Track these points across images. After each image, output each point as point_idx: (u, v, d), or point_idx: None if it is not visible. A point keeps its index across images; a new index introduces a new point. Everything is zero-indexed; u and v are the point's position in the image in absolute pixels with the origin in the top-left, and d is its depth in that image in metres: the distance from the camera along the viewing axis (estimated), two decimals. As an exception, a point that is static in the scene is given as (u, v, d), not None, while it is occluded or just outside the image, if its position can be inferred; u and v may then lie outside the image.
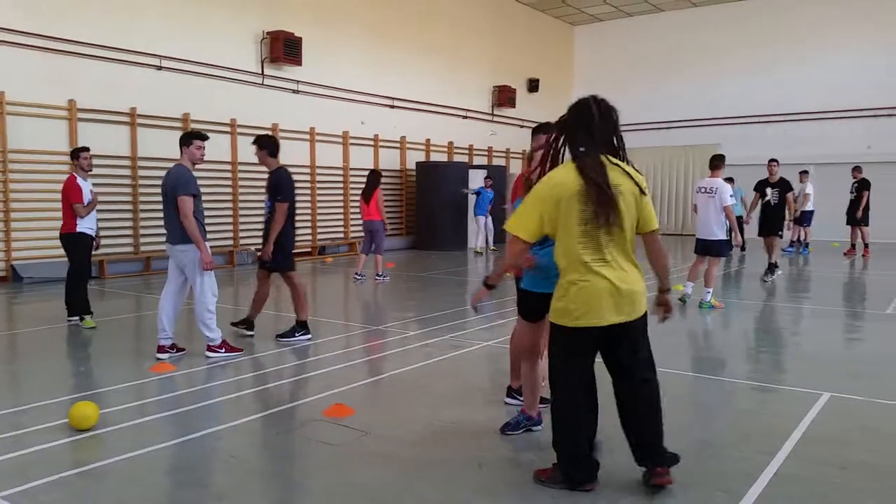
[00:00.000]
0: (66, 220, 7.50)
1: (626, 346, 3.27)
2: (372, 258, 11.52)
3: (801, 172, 16.35)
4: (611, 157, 3.19)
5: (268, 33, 13.93)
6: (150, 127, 12.23)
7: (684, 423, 4.43)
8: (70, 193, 7.40)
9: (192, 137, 6.20)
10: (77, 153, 7.66)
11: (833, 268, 13.77)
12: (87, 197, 7.47)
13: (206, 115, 12.91)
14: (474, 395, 5.10)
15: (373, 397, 5.11)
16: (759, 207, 11.76)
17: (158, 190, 6.38)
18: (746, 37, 21.04)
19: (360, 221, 11.88)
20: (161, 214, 6.32)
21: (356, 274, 11.37)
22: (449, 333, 7.24)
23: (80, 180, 7.47)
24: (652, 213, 3.26)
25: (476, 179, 17.34)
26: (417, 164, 17.68)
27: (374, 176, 11.47)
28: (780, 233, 11.22)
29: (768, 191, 11.52)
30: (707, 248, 8.85)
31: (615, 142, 3.25)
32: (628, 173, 3.18)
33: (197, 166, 6.23)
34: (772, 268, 11.16)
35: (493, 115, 20.78)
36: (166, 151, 11.22)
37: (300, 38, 14.20)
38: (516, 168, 20.75)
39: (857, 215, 15.19)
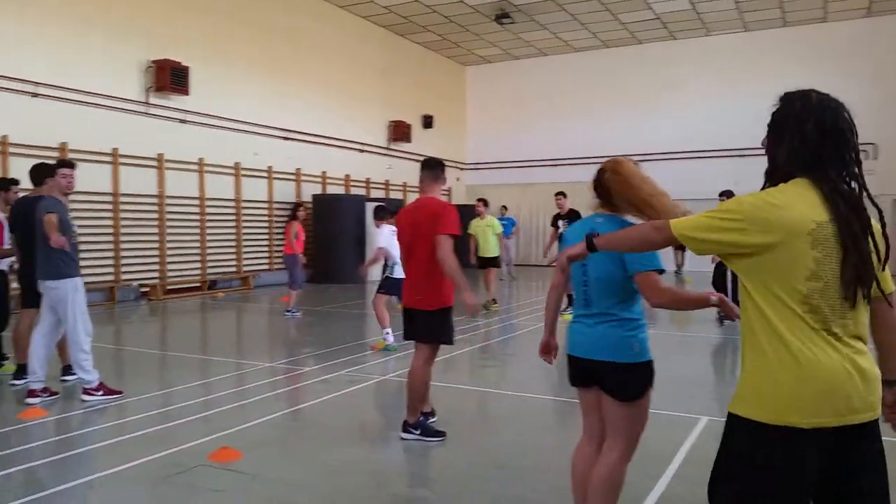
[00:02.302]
0: None
1: (868, 458, 2.02)
2: (296, 291, 11.15)
3: None
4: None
5: (153, 62, 13.46)
6: (23, 156, 11.43)
7: (566, 452, 4.53)
8: None
9: (57, 166, 5.97)
10: (7, 185, 6.92)
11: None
12: (7, 233, 6.76)
13: (86, 144, 12.24)
14: (369, 431, 5.03)
15: (263, 439, 4.91)
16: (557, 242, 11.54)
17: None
18: (622, 80, 22.35)
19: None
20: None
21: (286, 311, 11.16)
22: (345, 368, 7.12)
23: None
24: (887, 270, 2.09)
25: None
26: (314, 196, 17.46)
27: (291, 209, 11.79)
28: None
29: (560, 223, 11.05)
30: None
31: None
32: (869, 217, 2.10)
33: (73, 197, 5.93)
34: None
35: (389, 149, 20.91)
36: (40, 182, 10.51)
37: (188, 68, 13.80)
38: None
39: None
